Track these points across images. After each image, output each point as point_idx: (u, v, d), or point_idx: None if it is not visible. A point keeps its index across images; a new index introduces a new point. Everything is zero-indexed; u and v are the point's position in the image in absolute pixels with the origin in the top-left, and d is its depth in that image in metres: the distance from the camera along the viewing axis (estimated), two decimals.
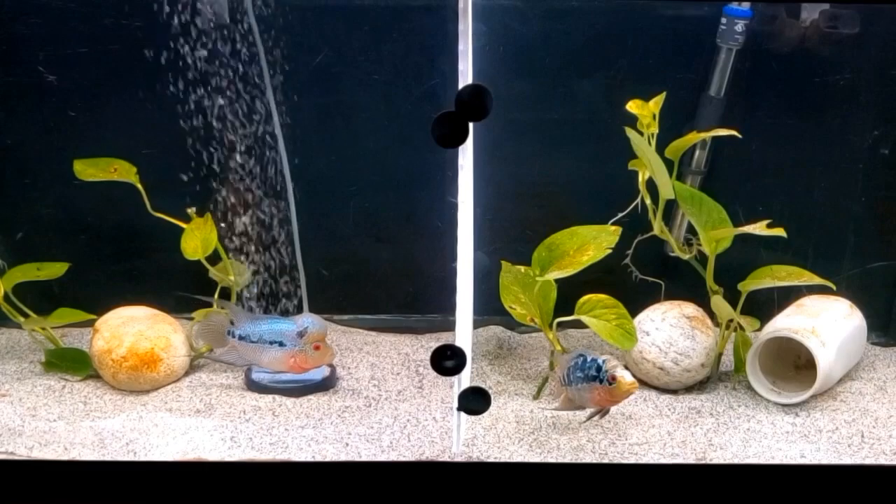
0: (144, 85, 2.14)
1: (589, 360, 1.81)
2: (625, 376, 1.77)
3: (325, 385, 2.07)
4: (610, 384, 1.77)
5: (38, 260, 2.13)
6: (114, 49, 2.16)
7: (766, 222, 1.97)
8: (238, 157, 2.16)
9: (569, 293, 2.05)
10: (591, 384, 1.79)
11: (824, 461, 1.82)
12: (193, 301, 2.16)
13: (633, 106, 2.02)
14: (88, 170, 2.08)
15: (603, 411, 1.85)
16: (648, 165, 1.99)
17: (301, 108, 2.20)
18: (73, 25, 2.15)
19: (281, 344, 2.00)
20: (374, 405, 2.01)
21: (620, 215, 2.14)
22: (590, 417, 1.87)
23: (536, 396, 2.06)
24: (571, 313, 2.04)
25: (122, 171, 2.07)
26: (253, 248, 2.20)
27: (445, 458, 1.81)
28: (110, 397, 2.03)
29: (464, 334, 1.75)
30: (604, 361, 1.79)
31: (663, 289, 2.24)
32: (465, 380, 1.74)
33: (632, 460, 1.81)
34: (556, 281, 2.06)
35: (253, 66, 2.10)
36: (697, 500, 1.76)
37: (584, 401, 1.83)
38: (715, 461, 1.81)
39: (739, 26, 2.13)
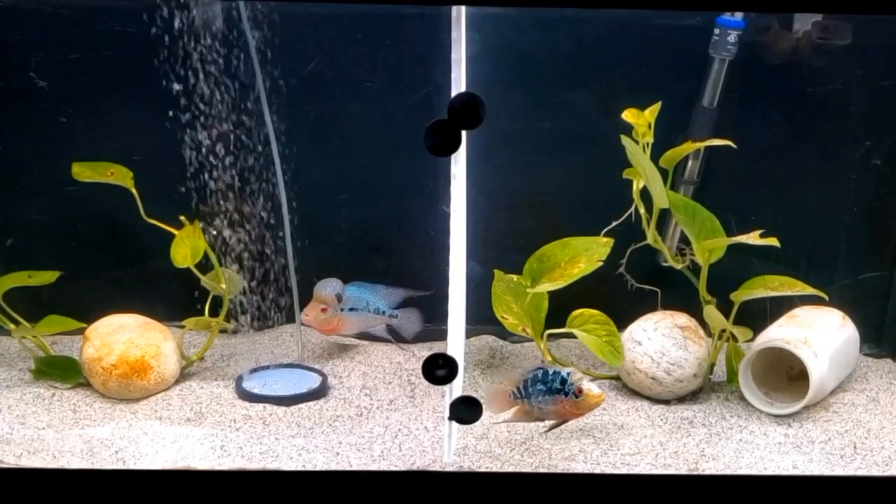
0: (136, 92, 2.13)
1: (551, 372, 1.78)
2: (592, 388, 1.76)
3: (317, 394, 2.07)
4: (577, 397, 1.76)
5: (28, 267, 2.11)
6: (106, 55, 2.16)
7: (759, 232, 1.97)
8: (229, 165, 2.15)
9: (562, 303, 2.05)
10: (554, 397, 1.77)
11: (816, 472, 1.82)
12: (183, 308, 2.15)
13: (628, 115, 2.02)
14: (86, 172, 2.09)
15: (564, 422, 1.84)
16: (643, 174, 1.99)
17: (293, 116, 2.19)
18: (65, 31, 2.15)
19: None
20: (365, 414, 2.00)
21: (614, 224, 2.14)
22: (551, 428, 1.85)
23: None
24: (564, 323, 2.04)
25: (119, 176, 2.07)
26: (245, 254, 2.19)
27: (437, 467, 1.80)
28: (100, 405, 2.02)
29: (456, 343, 1.74)
30: (568, 374, 1.77)
31: (660, 297, 2.24)
32: (456, 389, 1.73)
33: (624, 470, 1.81)
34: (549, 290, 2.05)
35: (246, 75, 2.10)
36: None
37: (545, 414, 1.81)
38: (707, 472, 1.81)
39: (732, 37, 2.13)
